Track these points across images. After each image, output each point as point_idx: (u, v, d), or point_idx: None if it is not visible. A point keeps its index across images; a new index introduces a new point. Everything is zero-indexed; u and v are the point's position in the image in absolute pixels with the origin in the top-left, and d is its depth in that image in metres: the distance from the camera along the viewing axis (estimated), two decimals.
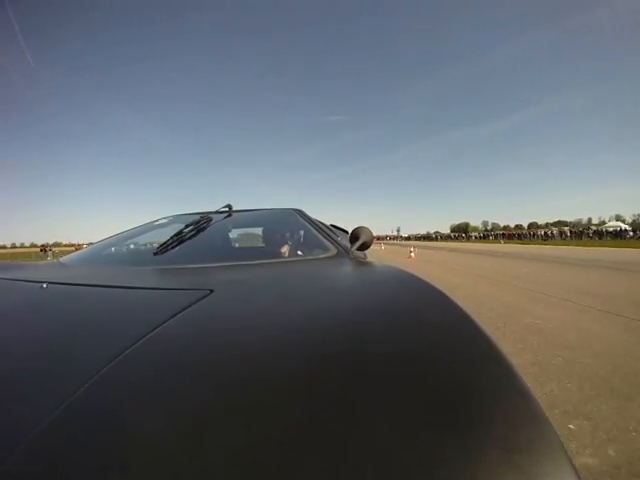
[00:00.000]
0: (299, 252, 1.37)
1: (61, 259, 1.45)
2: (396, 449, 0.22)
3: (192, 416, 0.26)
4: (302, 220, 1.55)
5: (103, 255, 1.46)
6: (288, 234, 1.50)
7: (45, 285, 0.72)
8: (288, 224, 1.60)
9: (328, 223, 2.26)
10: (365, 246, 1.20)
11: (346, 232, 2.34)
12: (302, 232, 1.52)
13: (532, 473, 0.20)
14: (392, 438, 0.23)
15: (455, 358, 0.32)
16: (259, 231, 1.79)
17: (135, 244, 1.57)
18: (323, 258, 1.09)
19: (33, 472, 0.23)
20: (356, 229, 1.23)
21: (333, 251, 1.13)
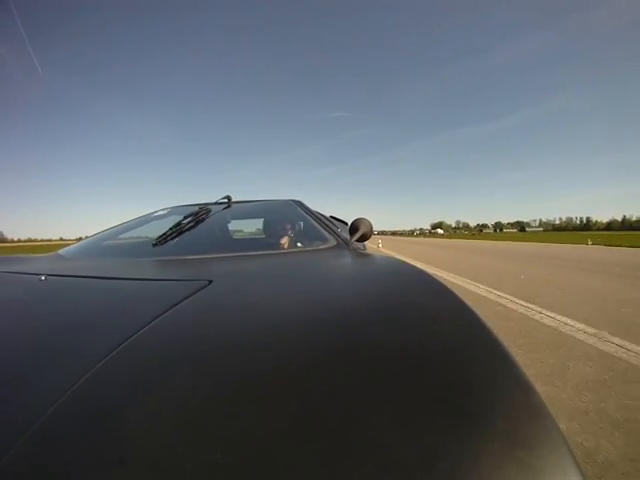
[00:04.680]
0: (298, 243, 1.20)
1: (59, 251, 1.24)
2: (397, 443, 0.19)
3: (192, 409, 0.23)
4: (302, 211, 1.37)
5: (102, 247, 1.27)
6: (288, 225, 1.32)
7: (43, 277, 0.65)
8: (288, 215, 1.41)
9: (327, 215, 2.06)
10: (364, 237, 1.06)
11: (345, 224, 2.14)
12: (302, 223, 1.33)
13: (534, 468, 0.18)
14: (393, 432, 0.20)
15: (455, 350, 0.29)
16: (258, 222, 1.59)
17: (134, 235, 1.37)
18: (323, 249, 0.97)
19: (32, 467, 0.20)
20: (356, 220, 1.08)
21: (332, 242, 1.01)
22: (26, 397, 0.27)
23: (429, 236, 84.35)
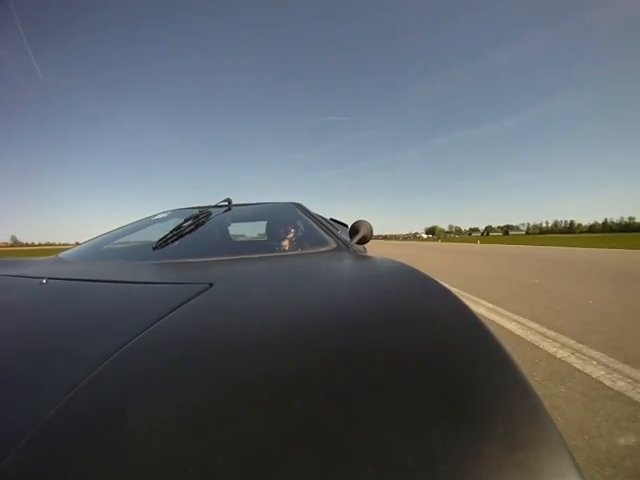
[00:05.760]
0: (299, 246, 1.13)
1: (60, 254, 1.18)
2: (397, 445, 0.19)
3: (193, 411, 0.22)
4: (302, 214, 1.30)
5: (102, 250, 1.20)
6: (288, 228, 1.25)
7: (45, 280, 0.62)
8: (288, 218, 1.33)
9: (328, 217, 1.98)
10: (365, 240, 1.01)
11: (346, 226, 2.05)
12: (302, 226, 1.25)
13: (534, 469, 0.18)
14: (393, 434, 0.19)
15: (455, 352, 0.27)
16: (259, 225, 1.52)
17: (134, 239, 1.30)
18: (323, 252, 0.92)
19: (32, 469, 0.19)
20: (356, 223, 1.03)
21: (333, 245, 0.95)
22: (27, 399, 0.26)
23: (410, 239, 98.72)
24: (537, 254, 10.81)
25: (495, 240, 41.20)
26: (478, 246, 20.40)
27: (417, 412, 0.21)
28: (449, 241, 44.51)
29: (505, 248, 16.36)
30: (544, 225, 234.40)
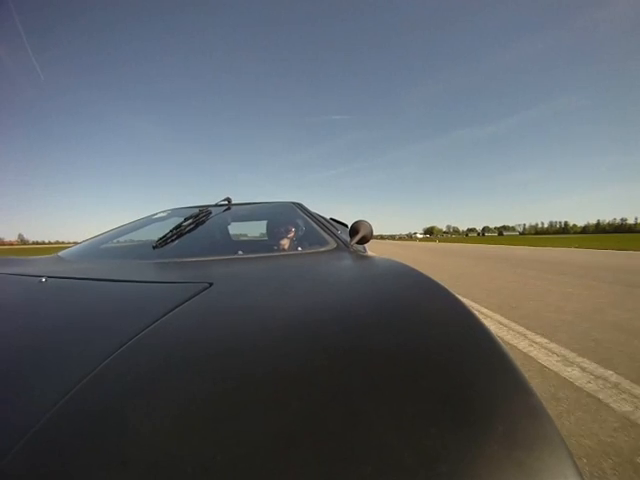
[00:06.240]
0: (299, 246, 1.11)
1: (59, 253, 1.15)
2: (396, 445, 0.18)
3: (193, 411, 0.22)
4: (302, 214, 1.26)
5: (102, 249, 1.17)
6: (288, 227, 1.22)
7: (44, 279, 0.60)
8: (288, 217, 1.30)
9: (328, 217, 1.93)
10: (365, 240, 0.98)
11: (346, 226, 2.01)
12: (302, 226, 1.22)
13: (533, 469, 0.17)
14: (392, 433, 0.19)
15: (455, 352, 0.27)
16: (259, 224, 1.49)
17: (134, 238, 1.27)
18: (323, 251, 0.90)
19: (32, 469, 0.19)
20: (356, 223, 1.00)
21: (333, 245, 0.93)
22: (27, 399, 0.26)
23: (405, 239, 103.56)
24: (457, 248, 15.64)
25: (474, 240, 44.29)
26: (436, 244, 27.35)
27: (416, 411, 0.20)
28: (427, 241, 52.01)
29: (453, 246, 20.74)
30: (540, 226, 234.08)
